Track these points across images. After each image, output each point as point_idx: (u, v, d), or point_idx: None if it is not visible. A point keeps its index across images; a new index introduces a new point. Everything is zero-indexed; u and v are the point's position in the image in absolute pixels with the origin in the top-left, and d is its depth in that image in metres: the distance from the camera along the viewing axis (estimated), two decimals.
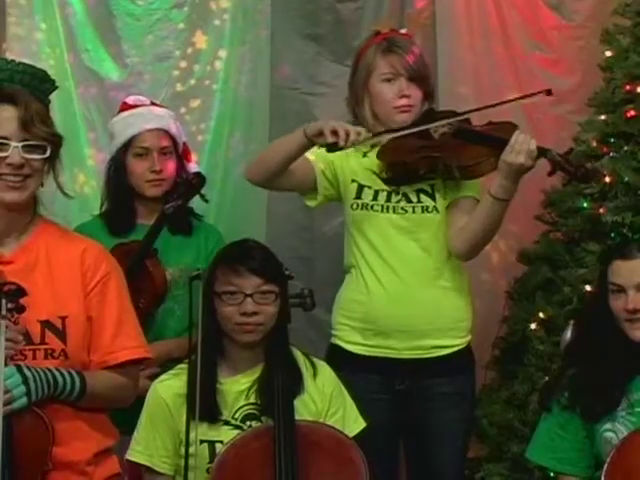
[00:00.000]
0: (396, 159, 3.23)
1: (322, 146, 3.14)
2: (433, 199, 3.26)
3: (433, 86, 3.44)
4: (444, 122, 3.24)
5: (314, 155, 3.27)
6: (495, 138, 3.18)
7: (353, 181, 3.29)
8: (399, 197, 3.26)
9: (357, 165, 3.31)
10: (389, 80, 3.28)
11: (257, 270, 2.85)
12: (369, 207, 3.27)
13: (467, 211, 3.26)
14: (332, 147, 3.09)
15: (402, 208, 3.26)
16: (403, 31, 3.42)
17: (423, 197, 3.26)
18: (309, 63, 4.50)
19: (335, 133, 3.06)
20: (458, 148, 3.21)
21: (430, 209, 3.26)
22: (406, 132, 3.21)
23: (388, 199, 3.26)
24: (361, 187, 3.28)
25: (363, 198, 3.28)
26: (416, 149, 3.20)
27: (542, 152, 3.11)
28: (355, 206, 3.28)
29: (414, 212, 3.25)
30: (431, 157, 3.20)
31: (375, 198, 3.27)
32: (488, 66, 4.47)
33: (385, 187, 3.27)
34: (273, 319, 2.86)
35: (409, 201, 3.26)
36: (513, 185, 3.12)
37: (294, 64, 4.49)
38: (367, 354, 3.27)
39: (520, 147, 3.06)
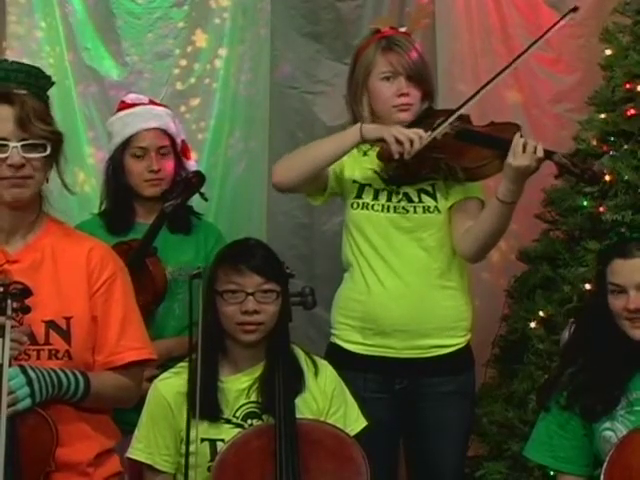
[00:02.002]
0: (396, 160, 3.23)
1: (382, 160, 3.19)
2: (434, 199, 3.26)
3: (433, 85, 3.43)
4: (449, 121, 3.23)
5: None
6: (498, 139, 3.17)
7: (354, 181, 3.29)
8: (400, 197, 3.26)
9: (357, 164, 3.31)
10: (388, 79, 3.28)
11: (258, 269, 2.85)
12: (370, 207, 3.26)
13: (472, 213, 3.26)
14: (394, 161, 3.12)
15: (403, 208, 3.25)
16: (403, 29, 3.40)
17: (424, 197, 3.26)
18: (309, 61, 4.50)
19: (399, 143, 3.09)
20: (461, 149, 3.20)
21: (432, 209, 3.25)
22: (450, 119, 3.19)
23: (389, 199, 3.26)
24: (362, 187, 3.28)
25: (364, 198, 3.27)
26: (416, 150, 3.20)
27: (547, 155, 3.10)
28: (355, 205, 3.28)
29: (415, 212, 3.25)
30: (433, 158, 3.19)
31: (376, 198, 3.26)
32: (488, 64, 4.46)
33: (386, 187, 3.27)
34: (274, 318, 2.86)
35: (410, 201, 3.26)
36: (519, 187, 3.12)
37: (294, 62, 4.50)
38: (366, 353, 3.26)
39: (524, 151, 3.06)
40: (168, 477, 2.87)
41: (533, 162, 3.06)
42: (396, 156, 3.12)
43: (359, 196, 3.28)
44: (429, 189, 3.27)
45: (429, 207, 3.26)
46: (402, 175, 3.22)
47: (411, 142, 3.09)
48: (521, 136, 3.10)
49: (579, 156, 3.90)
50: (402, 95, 3.26)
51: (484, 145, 3.20)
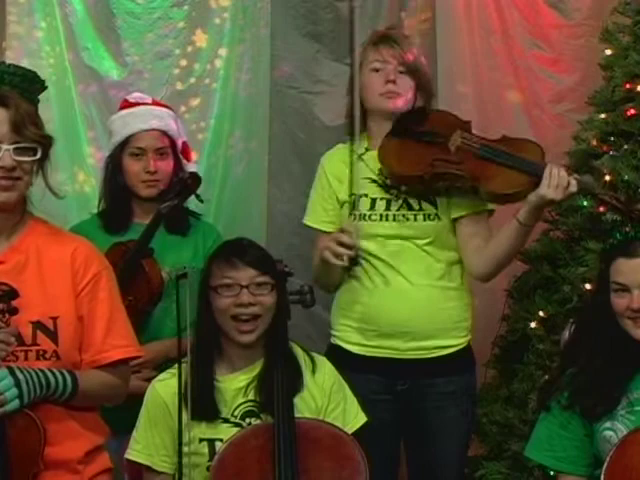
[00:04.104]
0: (410, 171, 3.18)
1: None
2: (435, 206, 3.24)
3: (429, 80, 3.38)
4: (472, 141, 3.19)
5: (320, 225, 3.34)
6: (533, 165, 3.11)
7: (351, 194, 3.26)
8: (400, 204, 3.24)
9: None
10: (377, 70, 3.26)
11: (252, 262, 2.86)
12: (367, 217, 3.24)
13: (482, 227, 3.26)
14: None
15: (403, 216, 3.23)
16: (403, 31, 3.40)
17: (425, 204, 3.23)
18: (309, 61, 4.50)
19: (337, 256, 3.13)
20: (487, 170, 3.14)
21: (432, 217, 3.23)
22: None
23: (387, 207, 3.24)
24: (358, 197, 3.25)
25: (360, 209, 3.24)
26: (431, 162, 3.15)
27: (584, 190, 3.12)
28: (352, 218, 3.25)
29: (416, 220, 3.22)
30: (453, 174, 3.15)
31: (372, 207, 3.24)
32: (488, 64, 4.47)
33: (384, 194, 3.24)
34: (270, 311, 2.85)
35: (410, 208, 3.23)
36: (542, 212, 3.14)
37: (294, 62, 4.50)
38: (368, 354, 3.26)
39: (557, 183, 3.03)
40: (167, 477, 2.87)
41: (563, 196, 3.05)
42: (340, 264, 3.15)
43: (355, 207, 3.25)
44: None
45: (429, 215, 3.23)
46: (415, 190, 3.19)
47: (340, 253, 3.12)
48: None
49: (579, 156, 3.90)
50: (389, 82, 3.23)
51: (514, 168, 3.13)
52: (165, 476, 2.86)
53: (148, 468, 2.87)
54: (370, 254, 3.22)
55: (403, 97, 3.26)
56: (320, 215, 3.35)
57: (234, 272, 2.84)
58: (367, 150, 3.30)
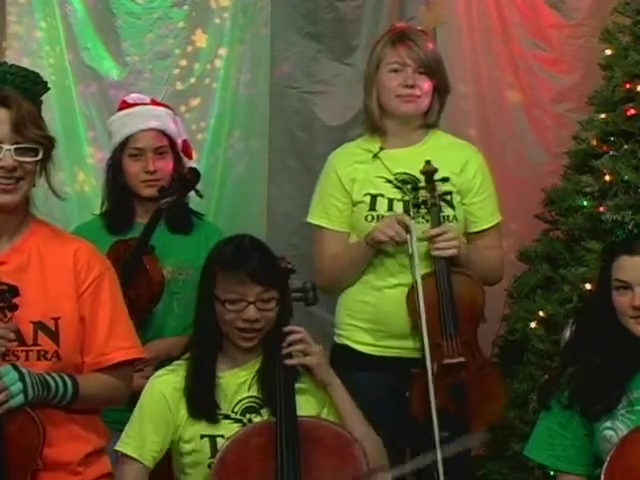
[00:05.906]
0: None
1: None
2: (452, 208, 3.24)
3: (446, 80, 3.35)
4: None
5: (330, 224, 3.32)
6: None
7: (366, 194, 3.25)
8: (419, 206, 3.22)
9: (365, 175, 3.27)
10: (396, 70, 3.26)
11: (258, 277, 2.81)
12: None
13: (493, 240, 3.31)
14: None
15: (423, 217, 3.23)
16: (419, 28, 3.38)
17: (443, 206, 3.22)
18: (309, 61, 4.51)
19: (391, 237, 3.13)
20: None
21: (450, 218, 3.23)
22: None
23: (406, 210, 3.21)
24: (374, 197, 3.25)
25: (378, 209, 3.24)
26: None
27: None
28: (370, 218, 3.24)
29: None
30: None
31: (390, 208, 3.23)
32: (488, 64, 4.48)
33: (401, 196, 3.22)
34: (273, 321, 2.84)
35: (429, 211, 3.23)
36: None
37: (294, 62, 4.51)
38: (379, 354, 3.25)
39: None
40: (143, 469, 2.80)
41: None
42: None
43: (372, 208, 3.24)
44: (447, 197, 3.23)
45: (448, 216, 3.23)
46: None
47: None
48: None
49: (579, 156, 3.92)
50: (407, 86, 3.23)
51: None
52: (140, 466, 2.79)
53: (127, 457, 2.80)
54: (387, 254, 3.21)
55: (421, 100, 3.25)
56: (333, 214, 3.31)
57: (241, 288, 2.79)
58: (382, 149, 3.29)
